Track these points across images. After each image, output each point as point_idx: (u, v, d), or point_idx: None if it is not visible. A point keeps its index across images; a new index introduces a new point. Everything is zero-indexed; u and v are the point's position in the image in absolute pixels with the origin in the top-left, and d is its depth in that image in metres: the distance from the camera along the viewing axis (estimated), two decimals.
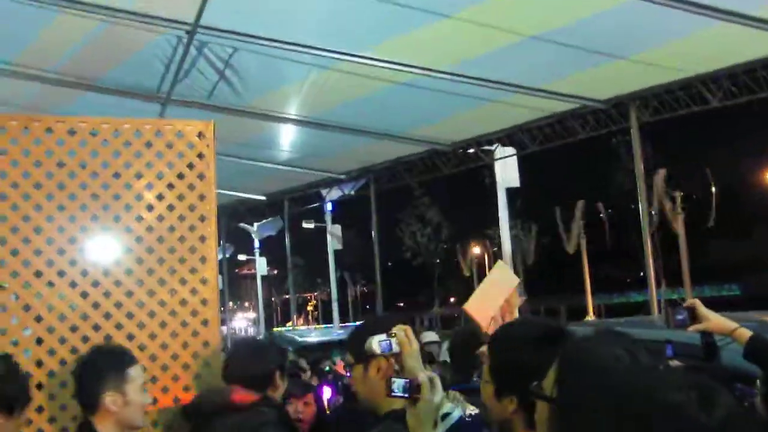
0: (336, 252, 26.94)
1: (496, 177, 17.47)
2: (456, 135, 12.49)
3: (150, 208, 3.15)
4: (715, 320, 3.06)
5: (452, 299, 60.46)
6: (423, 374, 2.46)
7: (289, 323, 51.18)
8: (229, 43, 9.06)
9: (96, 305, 3.09)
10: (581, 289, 35.92)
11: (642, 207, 10.45)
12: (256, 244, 33.72)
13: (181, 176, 3.19)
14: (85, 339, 3.07)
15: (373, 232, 16.98)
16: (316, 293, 76.00)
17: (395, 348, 2.62)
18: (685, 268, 24.77)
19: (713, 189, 25.21)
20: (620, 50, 8.79)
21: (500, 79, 9.84)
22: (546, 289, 46.18)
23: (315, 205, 21.59)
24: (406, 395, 2.39)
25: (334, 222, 26.65)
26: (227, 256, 40.44)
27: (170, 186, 3.18)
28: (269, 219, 28.60)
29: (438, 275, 47.63)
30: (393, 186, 16.99)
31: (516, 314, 3.49)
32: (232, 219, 20.52)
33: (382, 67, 9.46)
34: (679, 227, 24.53)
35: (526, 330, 2.35)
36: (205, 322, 3.19)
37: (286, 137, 13.16)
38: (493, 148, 14.74)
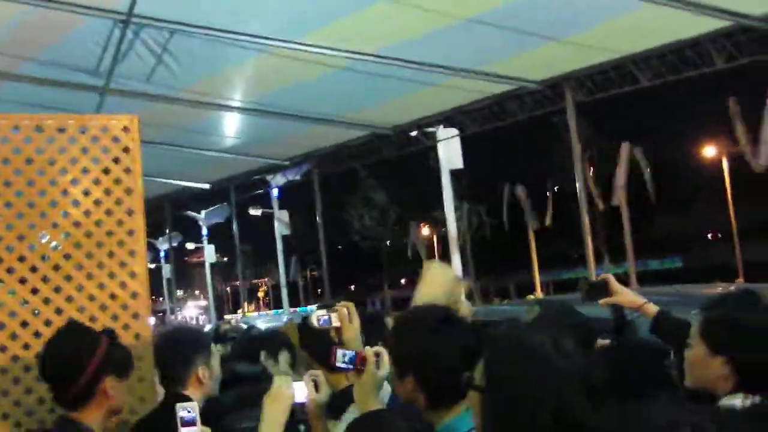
0: (285, 237, 26.90)
1: (439, 159, 17.66)
2: (396, 118, 12.56)
3: (76, 203, 3.16)
4: (625, 295, 3.18)
5: (402, 281, 60.79)
6: (369, 349, 2.56)
7: (240, 310, 50.93)
8: (165, 32, 8.98)
9: (24, 302, 3.10)
10: (530, 266, 36.47)
11: (579, 185, 10.65)
12: (204, 231, 33.45)
13: (107, 171, 3.20)
14: (14, 336, 3.08)
15: (317, 217, 17.03)
16: (266, 279, 75.70)
17: (334, 323, 2.71)
18: (628, 243, 25.27)
19: (648, 168, 25.72)
20: (554, 32, 8.92)
21: (438, 62, 9.93)
22: (496, 268, 46.66)
23: (261, 191, 21.56)
24: (351, 367, 2.48)
25: (281, 208, 26.57)
26: (175, 245, 40.07)
27: (96, 181, 3.19)
28: (216, 206, 28.44)
29: (387, 258, 47.80)
30: (338, 170, 17.04)
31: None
32: (177, 208, 20.36)
33: (319, 52, 9.47)
34: (622, 203, 24.97)
35: (422, 316, 2.47)
36: (135, 315, 3.21)
37: (228, 124, 13.12)
38: (434, 129, 14.87)
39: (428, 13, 8.49)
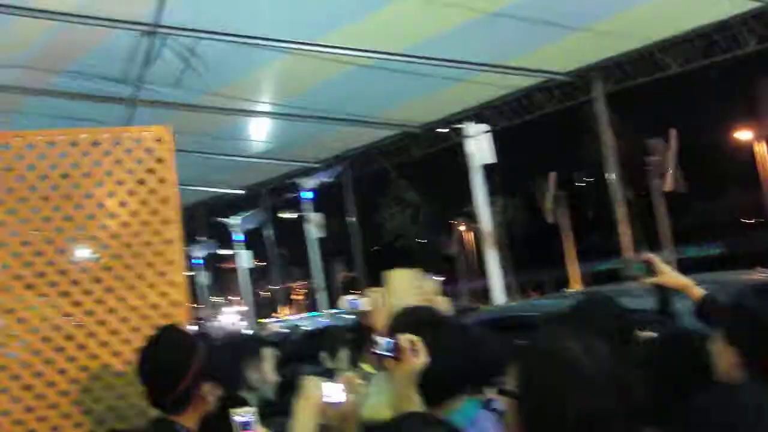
0: (321, 240, 26.95)
1: (469, 155, 17.58)
2: (425, 116, 12.55)
3: (113, 215, 3.20)
4: (669, 275, 3.14)
5: (440, 279, 60.68)
6: (403, 336, 2.57)
7: (276, 314, 51.14)
8: (191, 41, 9.06)
9: (66, 315, 3.14)
10: (566, 259, 36.23)
11: (611, 175, 10.56)
12: (239, 237, 33.63)
13: (141, 182, 3.23)
14: (60, 349, 3.12)
15: (348, 218, 17.08)
16: (305, 282, 75.93)
17: (362, 307, 2.73)
18: (666, 230, 25.01)
19: (677, 153, 25.36)
20: (579, 21, 8.84)
21: (464, 58, 9.91)
22: (531, 262, 46.34)
23: (294, 195, 21.61)
24: (390, 354, 2.48)
25: (315, 210, 26.62)
26: (210, 252, 40.37)
27: (131, 192, 3.23)
28: (250, 212, 28.60)
29: (421, 256, 47.75)
30: (369, 171, 17.06)
31: (437, 300, 3.52)
32: (211, 214, 20.51)
33: (345, 53, 9.50)
34: (668, 188, 24.66)
35: (405, 318, 2.51)
36: (175, 304, 3.24)
37: (258, 129, 13.18)
38: (464, 126, 14.82)
39: (451, 9, 8.47)
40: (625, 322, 2.96)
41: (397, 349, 2.46)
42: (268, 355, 3.60)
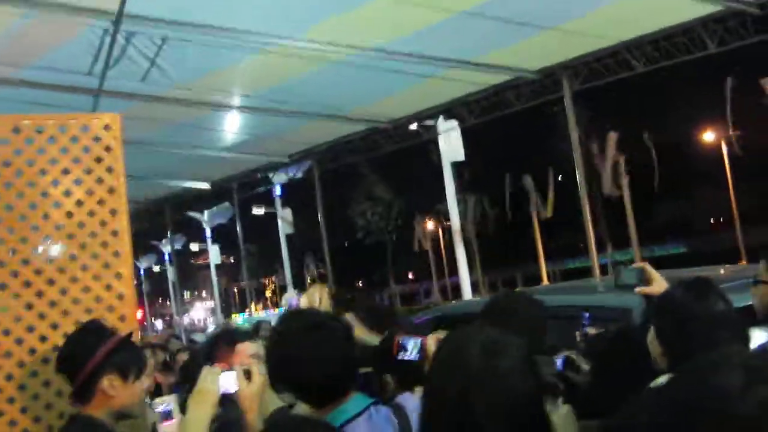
0: (290, 236, 26.86)
1: (440, 152, 17.59)
2: (394, 112, 12.50)
3: (57, 204, 3.12)
4: (662, 283, 3.11)
5: (410, 276, 60.72)
6: (431, 336, 2.54)
7: (247, 310, 50.95)
8: (159, 32, 8.93)
9: (4, 308, 3.06)
10: (536, 256, 36.41)
11: (579, 173, 10.58)
12: (208, 232, 33.44)
13: (88, 171, 3.15)
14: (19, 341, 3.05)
15: (319, 215, 17.02)
16: (273, 278, 75.84)
17: (302, 304, 2.71)
18: (633, 229, 25.24)
19: (653, 152, 25.66)
20: (548, 20, 8.87)
21: (433, 55, 9.89)
22: (502, 259, 46.58)
23: (263, 189, 21.54)
24: (419, 357, 2.42)
25: (284, 206, 26.53)
26: (179, 247, 40.10)
27: (78, 182, 3.15)
28: (219, 206, 28.42)
29: (392, 253, 47.78)
30: (338, 166, 17.00)
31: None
32: (179, 209, 20.30)
33: (316, 48, 9.43)
34: (624, 191, 24.93)
35: (293, 323, 2.48)
36: (122, 318, 3.17)
37: (226, 123, 13.04)
38: (434, 122, 14.81)
39: (421, 9, 8.47)
40: (540, 317, 2.95)
41: (423, 351, 2.41)
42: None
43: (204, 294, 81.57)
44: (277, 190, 25.25)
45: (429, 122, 14.39)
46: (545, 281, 34.38)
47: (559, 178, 32.88)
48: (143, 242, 37.04)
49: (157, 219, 20.98)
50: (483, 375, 1.79)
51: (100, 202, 3.15)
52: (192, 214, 29.94)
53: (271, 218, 27.90)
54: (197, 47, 9.39)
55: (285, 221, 26.57)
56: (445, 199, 19.07)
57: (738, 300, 2.86)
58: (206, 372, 2.35)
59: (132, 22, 8.56)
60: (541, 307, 3.08)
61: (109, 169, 3.18)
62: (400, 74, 10.40)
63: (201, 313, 76.58)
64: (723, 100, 17.61)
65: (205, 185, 17.29)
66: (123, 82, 10.25)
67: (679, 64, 9.65)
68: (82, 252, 3.13)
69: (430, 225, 45.84)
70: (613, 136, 24.87)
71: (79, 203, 3.12)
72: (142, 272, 46.49)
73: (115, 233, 3.16)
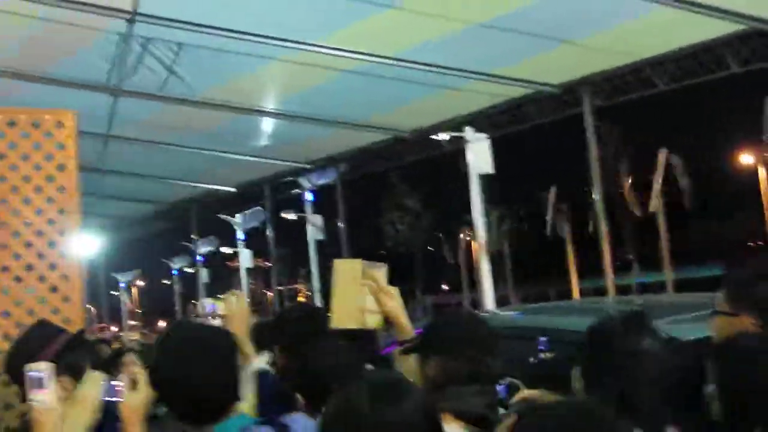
0: (321, 242, 26.83)
1: (469, 163, 17.42)
2: (415, 122, 12.42)
3: (3, 201, 3.06)
4: None
5: (445, 287, 60.46)
6: (242, 338, 2.50)
7: None
8: (174, 35, 8.94)
9: None
10: (568, 273, 35.99)
11: (595, 191, 10.39)
12: (240, 235, 33.52)
13: (38, 167, 3.10)
14: None
15: (339, 223, 16.98)
16: (306, 284, 75.91)
17: (219, 311, 2.63)
18: (665, 250, 24.81)
19: (686, 174, 25.23)
20: (567, 34, 8.73)
21: (455, 66, 9.79)
22: (535, 275, 46.16)
23: (294, 195, 21.53)
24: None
25: (316, 212, 26.52)
26: (212, 249, 40.29)
27: (27, 179, 3.09)
28: (252, 210, 28.50)
29: (422, 264, 47.58)
30: (367, 175, 16.93)
31: (387, 287, 3.37)
32: (206, 211, 20.39)
33: (337, 55, 9.39)
34: (659, 210, 24.52)
35: (173, 335, 2.43)
36: (66, 299, 3.10)
37: (251, 128, 13.03)
38: (463, 134, 14.68)
39: (439, 20, 8.40)
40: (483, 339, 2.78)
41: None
42: None
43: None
44: (308, 196, 25.27)
45: (457, 134, 14.28)
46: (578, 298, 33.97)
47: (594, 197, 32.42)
48: (174, 243, 37.28)
49: (185, 221, 21.13)
50: (372, 426, 1.69)
51: (49, 200, 3.08)
52: (224, 217, 30.05)
53: (302, 224, 27.93)
54: (213, 55, 9.41)
55: (315, 227, 26.57)
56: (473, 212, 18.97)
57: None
58: (89, 377, 2.25)
59: (147, 28, 8.56)
60: (485, 327, 2.87)
61: (61, 168, 3.12)
62: (420, 84, 10.32)
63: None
64: (758, 121, 17.24)
65: (230, 189, 17.35)
66: (142, 87, 10.35)
67: (706, 83, 9.44)
68: (26, 250, 3.07)
69: (461, 237, 45.59)
70: (663, 153, 24.45)
71: (27, 201, 3.06)
72: (175, 272, 46.82)
73: (62, 233, 3.09)
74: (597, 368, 2.22)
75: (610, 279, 10.26)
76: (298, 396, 2.60)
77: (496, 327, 4.04)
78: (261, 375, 2.57)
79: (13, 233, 3.10)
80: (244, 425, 2.18)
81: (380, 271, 3.34)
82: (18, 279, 3.02)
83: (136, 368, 2.41)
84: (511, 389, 2.73)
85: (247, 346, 2.66)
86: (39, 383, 2.19)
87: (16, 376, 2.74)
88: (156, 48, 9.27)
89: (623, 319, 2.31)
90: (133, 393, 2.24)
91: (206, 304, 2.70)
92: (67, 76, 9.85)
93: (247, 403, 2.58)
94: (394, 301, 3.31)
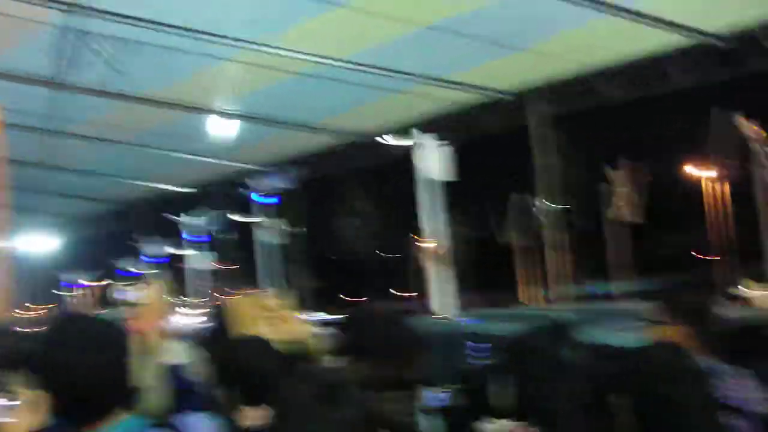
0: (279, 246, 26.59)
1: (420, 169, 17.38)
2: (365, 126, 12.37)
3: None
4: None
5: (396, 292, 60.48)
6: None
7: None
8: (116, 30, 8.74)
9: None
10: (514, 282, 36.29)
11: (539, 199, 10.43)
12: (189, 237, 33.13)
13: None
14: None
15: (283, 226, 16.86)
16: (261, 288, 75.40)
17: (134, 299, 2.54)
18: (615, 260, 25.06)
19: (646, 183, 25.54)
20: (519, 42, 8.76)
21: (407, 70, 9.76)
22: (485, 282, 46.34)
23: (245, 196, 21.35)
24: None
25: (268, 216, 26.27)
26: (158, 251, 39.69)
27: None
28: (200, 211, 28.16)
29: (374, 269, 47.33)
30: (321, 178, 16.81)
31: (280, 312, 3.31)
32: (155, 211, 20.07)
33: (288, 56, 9.29)
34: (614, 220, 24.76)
35: (60, 326, 2.24)
36: None
37: (202, 128, 12.81)
38: (413, 138, 14.63)
39: (388, 21, 8.36)
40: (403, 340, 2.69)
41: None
42: None
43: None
44: (257, 198, 25.05)
45: (405, 138, 14.24)
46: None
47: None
48: (121, 244, 36.69)
49: (132, 221, 20.78)
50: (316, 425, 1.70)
51: None
52: (170, 217, 29.62)
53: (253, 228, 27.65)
54: (159, 50, 9.23)
55: (269, 231, 26.35)
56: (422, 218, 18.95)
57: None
58: None
59: (85, 21, 8.33)
60: (406, 329, 2.75)
61: None
62: (371, 88, 10.33)
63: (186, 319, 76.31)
64: (704, 135, 17.65)
65: (183, 189, 17.12)
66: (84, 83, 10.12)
67: (657, 96, 9.54)
68: None
69: (414, 243, 45.57)
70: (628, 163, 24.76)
71: None
72: (119, 272, 46.18)
73: None
74: (518, 375, 2.19)
75: (552, 288, 10.29)
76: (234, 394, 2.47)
77: (436, 332, 3.98)
78: (171, 369, 2.43)
79: None
80: (133, 427, 2.04)
81: (278, 300, 3.26)
82: None
83: None
84: (454, 396, 2.68)
85: (157, 340, 2.52)
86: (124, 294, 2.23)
87: None
88: (96, 43, 9.04)
89: (545, 327, 2.28)
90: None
91: (117, 290, 2.59)
92: (5, 68, 9.54)
93: (155, 398, 2.46)
94: (288, 323, 3.22)
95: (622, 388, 2.43)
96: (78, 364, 2.00)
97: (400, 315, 2.81)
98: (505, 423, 2.14)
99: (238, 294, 3.28)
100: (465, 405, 2.50)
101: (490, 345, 3.09)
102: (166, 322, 2.57)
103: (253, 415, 2.51)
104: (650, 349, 2.57)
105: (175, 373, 2.43)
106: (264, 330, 3.00)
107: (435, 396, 2.81)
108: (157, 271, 40.78)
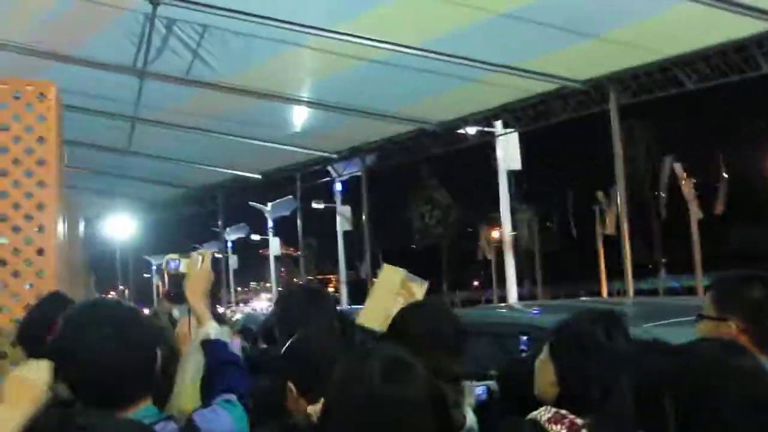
0: (349, 233, 26.82)
1: (498, 158, 17.23)
2: (439, 114, 12.29)
3: None
4: None
5: (475, 283, 60.13)
6: (197, 302, 2.49)
7: None
8: (199, 18, 8.92)
9: None
10: (598, 274, 35.60)
11: (620, 192, 10.19)
12: (270, 224, 33.64)
13: (17, 140, 3.06)
14: None
15: (363, 215, 16.92)
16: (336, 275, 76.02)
17: (182, 269, 2.57)
18: (697, 254, 24.41)
19: (724, 175, 24.75)
20: (593, 29, 8.56)
21: (478, 58, 9.65)
22: (564, 274, 45.71)
23: (322, 184, 21.53)
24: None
25: (344, 203, 26.49)
26: (242, 236, 40.46)
27: (3, 150, 3.05)
28: (282, 199, 28.54)
29: (449, 258, 47.17)
30: (394, 166, 16.80)
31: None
32: (231, 197, 20.39)
33: (358, 43, 9.29)
34: (692, 214, 24.12)
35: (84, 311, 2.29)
36: (40, 274, 3.05)
37: (271, 115, 12.95)
38: (492, 129, 14.52)
39: (461, 8, 8.25)
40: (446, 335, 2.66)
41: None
42: None
43: (268, 285, 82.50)
44: (338, 186, 25.24)
45: (486, 128, 14.11)
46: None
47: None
48: (204, 229, 37.45)
49: (212, 206, 21.18)
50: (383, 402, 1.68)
51: (28, 173, 3.04)
52: (256, 205, 30.12)
53: (330, 214, 27.90)
54: (237, 39, 9.37)
55: (343, 218, 26.55)
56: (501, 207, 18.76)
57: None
58: (35, 364, 2.03)
59: (171, 9, 8.55)
60: (453, 323, 2.74)
61: (41, 140, 3.07)
62: (444, 76, 10.19)
63: (264, 303, 77.62)
64: None
65: (256, 176, 17.32)
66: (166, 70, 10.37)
67: (737, 83, 9.20)
68: (2, 224, 3.03)
69: (490, 232, 45.22)
70: (668, 161, 24.11)
71: (3, 173, 3.02)
72: None
73: (41, 206, 3.05)
74: (571, 366, 2.15)
75: (629, 281, 10.07)
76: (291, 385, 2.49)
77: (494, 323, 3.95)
78: (208, 343, 2.42)
79: None
80: (148, 418, 2.03)
81: (420, 287, 3.34)
82: None
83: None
84: (491, 392, 2.66)
85: (200, 310, 2.53)
86: (175, 265, 2.48)
87: (29, 346, 2.74)
88: (181, 30, 9.27)
89: (598, 318, 2.24)
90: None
91: (169, 258, 2.62)
92: (89, 55, 9.83)
93: (188, 379, 2.47)
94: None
95: (668, 383, 2.36)
96: (92, 352, 2.03)
97: (447, 307, 2.82)
98: (548, 412, 2.12)
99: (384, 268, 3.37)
100: (510, 395, 2.48)
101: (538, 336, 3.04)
102: (208, 296, 2.59)
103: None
104: (701, 345, 2.50)
105: (210, 345, 2.43)
106: (395, 309, 3.03)
107: (480, 387, 2.79)
108: (234, 255, 41.34)
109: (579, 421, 2.07)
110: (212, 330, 2.45)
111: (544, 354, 2.25)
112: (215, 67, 10.17)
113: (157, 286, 44.67)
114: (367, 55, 9.72)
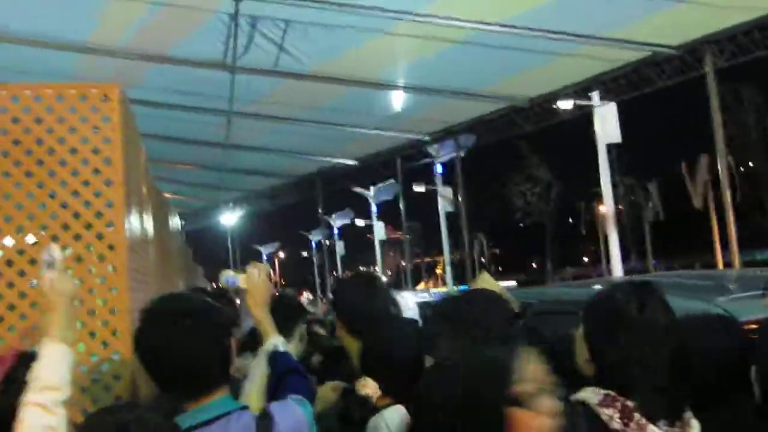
0: (451, 214, 26.73)
1: (596, 131, 16.80)
2: (528, 91, 12.09)
3: (52, 173, 3.15)
4: None
5: (585, 259, 59.04)
6: (262, 315, 2.57)
7: (419, 286, 51.37)
8: (282, 12, 9.04)
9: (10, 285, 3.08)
10: (711, 245, 34.34)
11: (720, 161, 9.77)
12: (373, 208, 33.88)
13: (84, 141, 3.17)
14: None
15: (458, 196, 16.82)
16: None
17: (240, 284, 2.60)
18: None
19: None
20: None
21: (567, 30, 9.44)
22: (674, 246, 44.36)
23: (419, 166, 21.52)
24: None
25: (444, 184, 26.39)
26: (347, 221, 40.90)
27: (73, 151, 3.17)
28: (385, 183, 28.70)
29: (553, 235, 46.34)
30: (487, 145, 16.66)
31: None
32: (329, 184, 20.65)
33: (446, 24, 9.21)
34: None
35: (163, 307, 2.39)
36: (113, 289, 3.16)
37: (362, 102, 13.01)
38: (589, 101, 14.18)
39: None
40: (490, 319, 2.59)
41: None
42: None
43: (376, 269, 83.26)
44: (438, 168, 25.18)
45: (583, 102, 13.81)
46: None
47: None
48: (307, 216, 38.09)
49: (312, 194, 21.52)
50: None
51: (95, 171, 3.15)
52: (359, 190, 30.38)
53: (430, 196, 27.86)
54: (320, 30, 9.46)
55: (445, 199, 26.48)
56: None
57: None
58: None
59: (253, 6, 8.69)
60: (499, 307, 2.64)
61: (106, 140, 3.18)
62: (531, 52, 10.03)
63: None
64: None
65: (351, 162, 17.48)
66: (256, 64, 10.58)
67: None
68: (75, 221, 3.15)
69: (594, 208, 44.26)
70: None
71: (74, 173, 3.14)
72: (314, 245, 47.93)
73: (109, 204, 3.16)
74: (603, 341, 2.08)
75: (734, 251, 9.68)
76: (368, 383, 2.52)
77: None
78: (273, 355, 2.50)
79: (61, 204, 3.18)
80: (224, 410, 2.12)
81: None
82: (64, 248, 3.11)
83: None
84: None
85: (265, 323, 2.60)
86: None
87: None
88: (265, 26, 9.43)
89: (632, 289, 2.15)
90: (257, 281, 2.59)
91: (226, 275, 2.66)
92: (182, 54, 10.13)
93: (256, 385, 2.53)
94: None
95: (755, 356, 2.28)
96: (180, 342, 2.12)
97: (490, 293, 2.74)
98: (597, 395, 2.06)
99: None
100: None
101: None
102: (267, 307, 2.63)
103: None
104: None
105: (274, 357, 2.50)
106: None
107: None
108: (341, 241, 41.72)
109: (630, 403, 2.00)
110: (278, 341, 2.52)
111: (580, 330, 2.20)
112: (303, 58, 10.31)
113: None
114: (453, 36, 9.64)
